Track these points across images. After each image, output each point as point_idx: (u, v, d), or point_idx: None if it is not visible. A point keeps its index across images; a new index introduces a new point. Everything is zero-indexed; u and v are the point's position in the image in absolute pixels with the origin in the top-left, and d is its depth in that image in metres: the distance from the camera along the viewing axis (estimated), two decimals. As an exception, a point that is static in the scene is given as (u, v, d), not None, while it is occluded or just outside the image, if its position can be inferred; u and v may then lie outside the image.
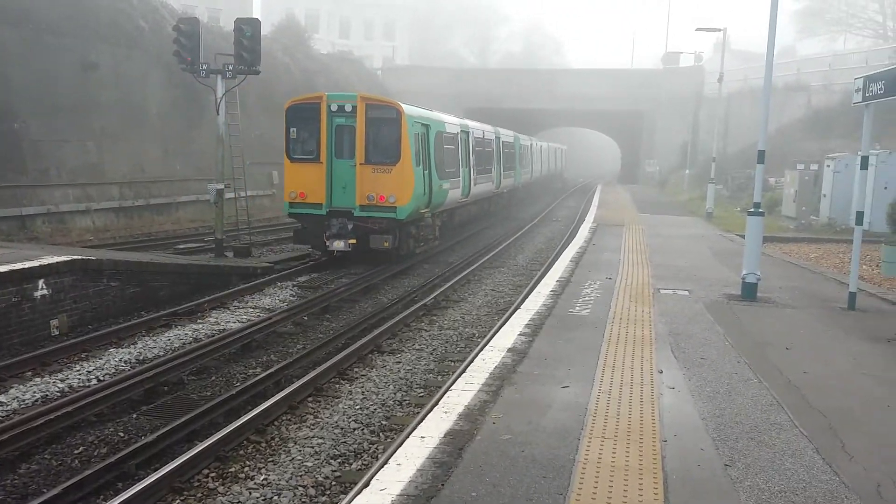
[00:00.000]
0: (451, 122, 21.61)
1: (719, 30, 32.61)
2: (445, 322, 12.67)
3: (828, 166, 23.37)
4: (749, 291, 11.29)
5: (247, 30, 16.61)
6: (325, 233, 16.67)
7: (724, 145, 39.89)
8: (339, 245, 16.58)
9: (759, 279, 11.39)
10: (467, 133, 23.16)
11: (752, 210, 11.83)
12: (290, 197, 17.03)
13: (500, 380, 6.81)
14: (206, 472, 6.73)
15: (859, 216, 11.04)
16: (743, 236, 14.55)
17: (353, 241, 16.53)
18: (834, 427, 5.86)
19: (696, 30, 33.27)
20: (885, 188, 20.07)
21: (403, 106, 16.92)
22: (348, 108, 16.51)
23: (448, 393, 6.58)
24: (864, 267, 14.82)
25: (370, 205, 16.51)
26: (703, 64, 53.89)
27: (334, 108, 16.62)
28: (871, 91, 9.90)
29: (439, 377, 9.57)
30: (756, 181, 12.08)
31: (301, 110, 17.14)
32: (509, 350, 7.87)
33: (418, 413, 7.89)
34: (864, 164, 10.84)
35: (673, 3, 79.35)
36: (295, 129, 17.16)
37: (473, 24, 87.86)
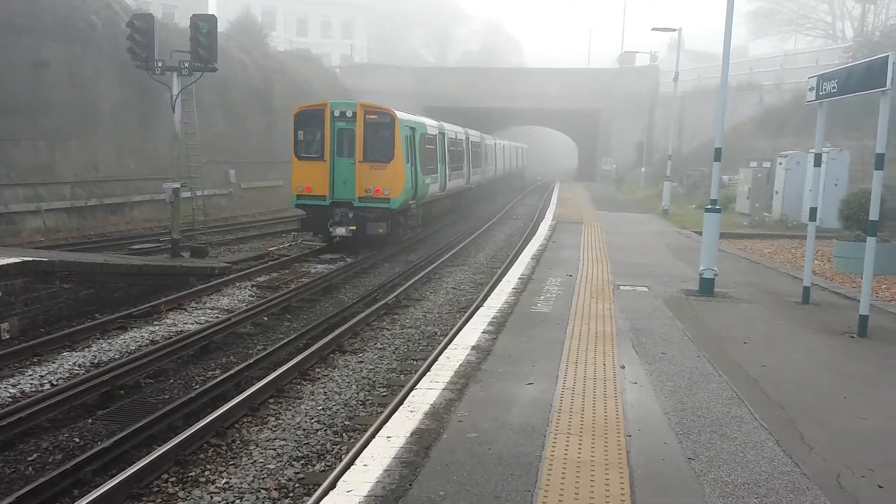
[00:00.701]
0: (431, 124, 24.21)
1: (674, 30, 33.08)
2: (407, 321, 12.62)
3: (780, 164, 23.85)
4: (707, 287, 11.46)
5: (203, 26, 16.35)
6: (328, 221, 18.99)
7: (680, 143, 40.52)
8: (340, 231, 18.97)
9: (716, 275, 11.58)
10: (443, 134, 25.65)
11: (708, 207, 12.01)
12: (297, 190, 19.29)
13: (465, 378, 6.80)
14: (165, 476, 6.59)
15: (812, 212, 11.27)
16: (699, 233, 14.79)
17: (353, 227, 18.87)
18: (793, 419, 5.97)
19: (652, 29, 33.73)
20: (836, 185, 20.56)
21: (396, 112, 19.37)
22: (349, 113, 18.94)
23: (413, 392, 6.55)
24: (817, 262, 15.14)
25: (368, 196, 18.95)
26: (658, 64, 54.57)
27: (337, 113, 18.97)
28: (825, 90, 10.10)
29: (402, 376, 9.53)
30: (713, 179, 12.26)
31: (307, 115, 19.37)
32: (473, 348, 7.86)
33: (381, 413, 7.84)
34: (818, 161, 11.08)
35: (629, 3, 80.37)
36: (302, 132, 19.41)
37: (432, 23, 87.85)
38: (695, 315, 9.98)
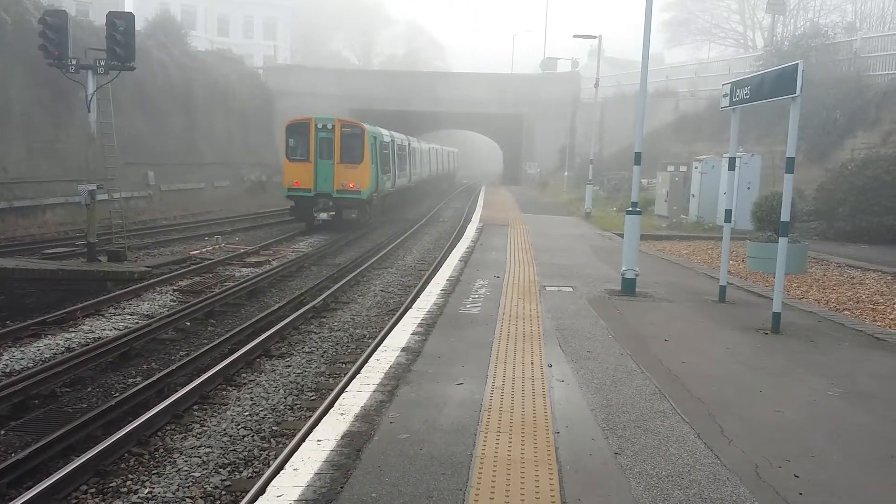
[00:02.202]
0: (386, 133, 29.86)
1: (595, 37, 33.88)
2: (335, 324, 12.52)
3: (696, 168, 24.66)
4: (628, 287, 11.76)
5: (120, 24, 15.85)
6: (312, 208, 24.52)
7: (601, 148, 41.43)
8: (322, 216, 24.52)
9: (638, 275, 11.89)
10: (393, 141, 31.36)
11: (629, 209, 12.32)
12: (288, 184, 24.80)
13: (396, 379, 6.79)
14: (84, 488, 6.36)
15: (728, 214, 11.71)
16: (620, 235, 15.17)
17: (333, 213, 24.47)
18: (713, 413, 6.18)
19: (574, 36, 34.39)
20: (748, 188, 21.38)
21: (365, 125, 25.26)
22: (329, 126, 24.54)
23: (343, 394, 6.50)
24: (731, 262, 15.71)
25: (343, 189, 24.49)
26: (579, 70, 55.68)
27: (319, 126, 24.49)
28: (738, 96, 10.51)
29: (331, 379, 9.44)
30: (633, 182, 12.58)
31: (296, 127, 25.00)
32: (403, 349, 7.86)
33: (310, 417, 7.76)
34: (732, 164, 11.49)
35: (551, 10, 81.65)
36: (292, 140, 24.82)
37: (355, 25, 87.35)
38: (618, 314, 10.23)
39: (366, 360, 8.29)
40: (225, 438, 7.54)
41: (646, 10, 11.76)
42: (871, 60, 27.48)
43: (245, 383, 9.31)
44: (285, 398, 8.79)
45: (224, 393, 8.94)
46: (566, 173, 44.65)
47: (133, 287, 14.43)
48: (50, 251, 17.43)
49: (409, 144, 36.69)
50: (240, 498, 6.11)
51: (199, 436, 7.59)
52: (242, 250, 19.89)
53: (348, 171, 24.49)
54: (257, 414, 8.24)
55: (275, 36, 77.77)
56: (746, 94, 10.23)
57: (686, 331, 9.48)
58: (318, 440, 5.34)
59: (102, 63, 15.86)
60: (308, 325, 12.39)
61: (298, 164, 24.53)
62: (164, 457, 7.07)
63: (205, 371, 9.25)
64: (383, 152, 28.13)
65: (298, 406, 8.55)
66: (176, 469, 6.80)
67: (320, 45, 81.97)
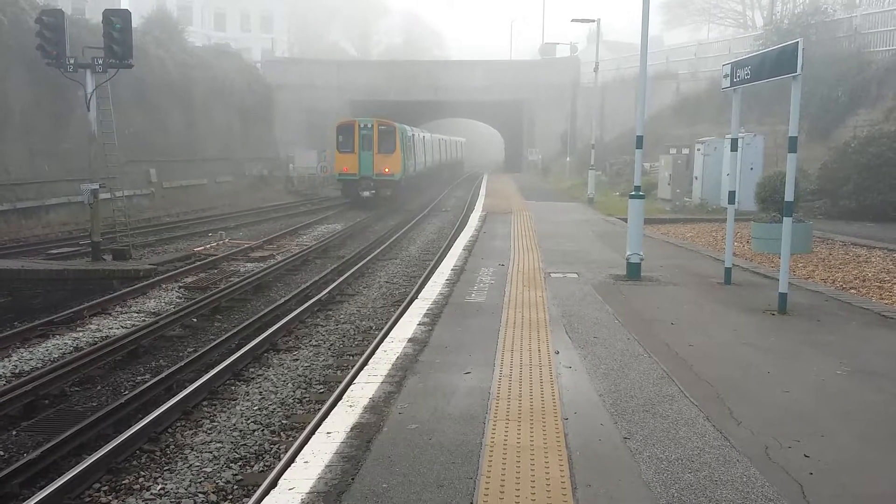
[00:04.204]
0: (409, 129, 36.11)
1: (593, 20, 33.74)
2: (342, 316, 12.55)
3: (698, 150, 24.56)
4: (633, 271, 11.75)
5: (116, 22, 15.83)
6: (357, 188, 31.78)
7: (602, 133, 41.33)
8: (365, 193, 31.60)
9: (643, 259, 11.88)
10: (415, 135, 37.98)
11: (633, 193, 12.29)
12: (339, 170, 32.62)
13: (403, 370, 6.81)
14: (97, 486, 6.39)
15: (731, 196, 11.67)
16: (624, 220, 15.16)
17: (373, 191, 31.61)
18: (721, 395, 6.19)
19: (572, 20, 34.32)
20: (752, 169, 21.29)
21: (396, 124, 32.49)
22: (369, 125, 31.83)
23: (351, 386, 6.52)
24: (736, 244, 15.67)
25: (381, 173, 31.72)
26: (578, 55, 55.44)
27: (362, 125, 31.82)
28: (739, 76, 10.45)
29: (339, 372, 9.47)
30: (636, 166, 12.54)
31: (344, 127, 32.32)
32: (410, 340, 7.87)
33: (319, 410, 7.78)
34: (734, 146, 11.46)
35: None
36: (341, 136, 32.05)
37: (353, 16, 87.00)
38: (624, 299, 10.23)
39: (373, 352, 8.30)
40: (235, 433, 7.57)
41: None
42: (871, 36, 27.33)
43: (253, 378, 9.34)
44: (294, 391, 8.82)
45: (233, 388, 8.97)
46: (568, 159, 44.54)
47: (139, 285, 14.46)
48: (55, 251, 17.48)
49: (425, 137, 43.32)
50: (252, 492, 6.13)
51: (209, 431, 7.63)
52: (246, 245, 19.92)
53: (384, 159, 31.55)
54: (266, 408, 8.27)
55: (272, 29, 77.60)
56: (747, 75, 10.17)
57: (692, 314, 9.47)
58: (328, 432, 5.35)
59: (101, 61, 15.85)
60: (314, 318, 12.41)
61: (346, 155, 31.79)
62: (175, 453, 7.10)
63: (213, 367, 9.27)
64: (408, 144, 34.68)
65: (307, 399, 8.58)
66: (187, 465, 6.83)
67: (317, 37, 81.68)
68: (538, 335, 8.10)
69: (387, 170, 31.70)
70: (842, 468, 4.83)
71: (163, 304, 13.50)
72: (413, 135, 37.02)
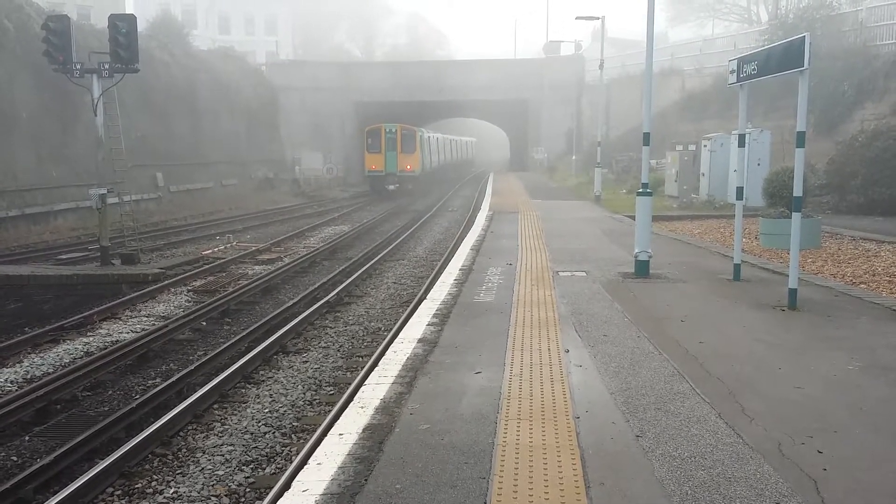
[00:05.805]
0: (425, 131, 43.16)
1: (598, 18, 33.63)
2: (350, 318, 12.56)
3: (705, 146, 24.49)
4: (642, 269, 11.72)
5: (122, 26, 15.89)
6: (384, 183, 38.32)
7: (608, 130, 41.21)
8: (391, 187, 38.06)
9: (651, 256, 11.84)
10: (430, 136, 44.62)
11: (640, 190, 12.26)
12: (368, 167, 39.19)
13: (414, 370, 6.81)
14: (110, 490, 6.43)
15: (739, 191, 11.61)
16: (631, 217, 15.11)
17: (398, 185, 38.14)
18: (733, 392, 6.16)
19: (576, 18, 34.31)
20: (759, 164, 21.23)
21: (417, 129, 39.17)
22: (393, 129, 38.40)
23: (362, 387, 6.52)
24: (744, 239, 15.63)
25: (404, 170, 38.54)
26: (582, 52, 55.33)
27: (387, 130, 38.34)
28: (745, 72, 10.40)
29: (349, 373, 9.49)
30: (643, 163, 12.51)
31: (372, 131, 38.77)
32: (419, 340, 7.87)
33: (329, 412, 7.79)
34: (742, 141, 11.41)
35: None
36: (370, 139, 38.62)
37: (357, 17, 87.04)
38: (633, 297, 10.20)
39: (382, 353, 8.31)
40: (246, 436, 7.59)
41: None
42: (877, 30, 27.20)
43: (263, 380, 9.37)
44: (304, 394, 8.83)
45: (243, 391, 8.99)
46: (574, 157, 44.46)
47: (148, 289, 14.52)
48: (64, 256, 17.55)
49: (439, 138, 50.67)
50: (264, 494, 6.15)
51: (220, 434, 7.65)
52: (254, 248, 19.97)
53: (407, 158, 38.40)
54: (277, 410, 8.29)
55: (276, 31, 77.70)
56: (754, 70, 10.12)
57: (702, 311, 9.44)
58: (340, 434, 5.36)
59: (107, 66, 15.91)
60: (323, 320, 12.43)
61: (374, 155, 38.62)
62: (187, 456, 7.13)
63: (223, 370, 9.30)
64: (426, 145, 41.90)
65: (318, 401, 8.60)
66: (200, 468, 6.85)
67: (322, 39, 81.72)
68: (548, 334, 8.09)
69: (409, 167, 38.45)
70: (856, 463, 4.81)
71: (172, 307, 13.54)
72: (429, 136, 44.35)
